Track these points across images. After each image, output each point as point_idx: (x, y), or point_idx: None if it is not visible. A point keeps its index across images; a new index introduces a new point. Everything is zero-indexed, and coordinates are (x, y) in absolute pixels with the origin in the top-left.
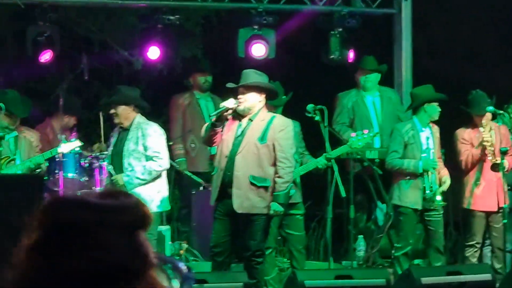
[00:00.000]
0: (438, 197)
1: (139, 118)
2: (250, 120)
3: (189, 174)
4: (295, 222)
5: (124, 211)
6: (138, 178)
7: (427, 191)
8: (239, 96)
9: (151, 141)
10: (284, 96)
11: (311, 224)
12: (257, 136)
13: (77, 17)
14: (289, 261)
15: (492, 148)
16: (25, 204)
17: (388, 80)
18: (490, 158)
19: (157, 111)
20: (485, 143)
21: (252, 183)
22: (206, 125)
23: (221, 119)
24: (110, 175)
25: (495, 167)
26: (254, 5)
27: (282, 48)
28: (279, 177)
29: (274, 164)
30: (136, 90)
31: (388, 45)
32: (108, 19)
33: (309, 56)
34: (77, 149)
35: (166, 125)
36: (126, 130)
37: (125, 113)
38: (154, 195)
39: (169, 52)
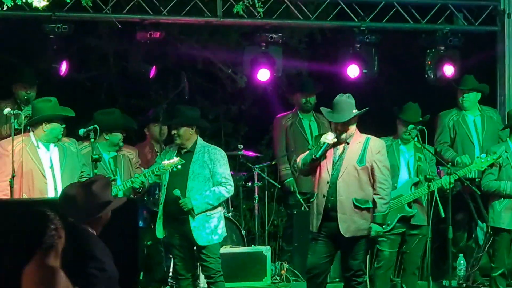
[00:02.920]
0: None
1: (200, 140)
2: (347, 143)
3: (299, 196)
4: (416, 243)
5: None
6: (207, 203)
7: None
8: (338, 130)
9: (220, 167)
10: (421, 118)
11: None
12: (356, 159)
13: (179, 34)
14: (399, 279)
15: None
16: (120, 228)
17: (492, 99)
18: None
19: (262, 130)
20: None
21: (356, 206)
22: (304, 156)
23: (323, 154)
24: (178, 198)
25: None
26: (357, 24)
27: (389, 65)
28: (381, 198)
29: (372, 185)
30: (196, 110)
31: (492, 63)
32: (211, 36)
33: (413, 73)
34: (179, 167)
35: (270, 144)
36: (188, 151)
37: (187, 135)
38: (219, 224)
39: (273, 70)
